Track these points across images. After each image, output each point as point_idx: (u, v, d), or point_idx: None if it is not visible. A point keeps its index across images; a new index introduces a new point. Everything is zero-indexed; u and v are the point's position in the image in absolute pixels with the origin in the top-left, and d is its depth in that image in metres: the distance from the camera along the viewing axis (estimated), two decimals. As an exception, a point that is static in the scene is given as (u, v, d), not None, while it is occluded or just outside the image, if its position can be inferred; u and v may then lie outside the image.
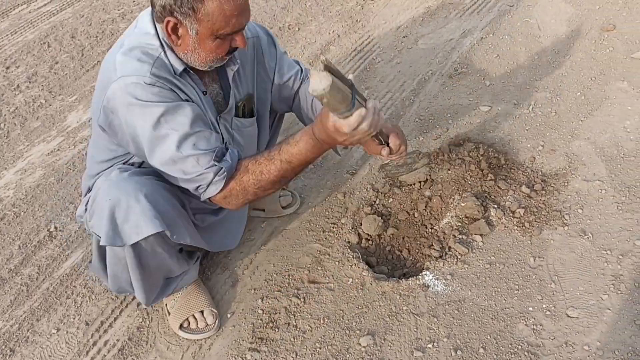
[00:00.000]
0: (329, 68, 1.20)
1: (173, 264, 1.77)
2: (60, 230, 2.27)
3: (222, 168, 1.55)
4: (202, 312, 1.88)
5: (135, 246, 1.59)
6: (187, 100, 1.57)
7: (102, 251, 1.72)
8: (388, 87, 2.87)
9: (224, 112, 1.73)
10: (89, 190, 1.77)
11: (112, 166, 1.71)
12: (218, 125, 1.73)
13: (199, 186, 1.57)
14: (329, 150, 1.55)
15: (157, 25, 1.55)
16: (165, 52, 1.55)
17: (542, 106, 2.64)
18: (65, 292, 2.04)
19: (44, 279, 2.09)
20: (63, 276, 2.09)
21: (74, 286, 2.06)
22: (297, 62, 1.95)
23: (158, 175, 1.64)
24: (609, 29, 3.06)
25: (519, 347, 1.76)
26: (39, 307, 2.00)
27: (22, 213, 2.35)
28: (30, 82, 3.12)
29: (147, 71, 1.50)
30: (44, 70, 3.20)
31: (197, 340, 1.85)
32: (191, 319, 1.87)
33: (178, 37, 1.52)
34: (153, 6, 1.51)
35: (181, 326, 1.87)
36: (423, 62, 3.01)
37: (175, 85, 1.56)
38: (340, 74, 1.26)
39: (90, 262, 1.80)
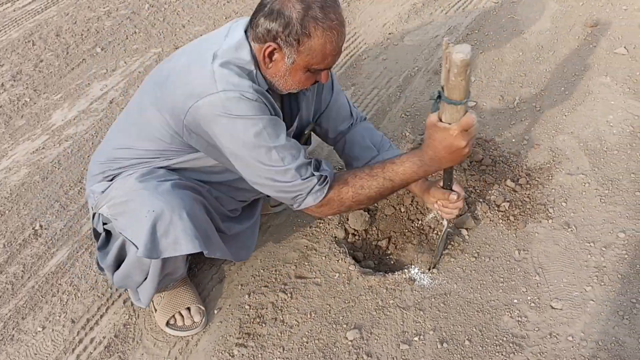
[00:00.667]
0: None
1: (182, 267, 1.79)
2: (45, 229, 2.26)
3: (325, 177, 1.59)
4: (188, 309, 1.88)
5: (166, 259, 1.61)
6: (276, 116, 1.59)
7: (121, 251, 1.69)
8: (374, 83, 2.88)
9: (287, 131, 1.72)
10: (107, 175, 1.75)
11: (147, 160, 1.69)
12: None
13: (297, 195, 1.59)
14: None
15: (252, 44, 1.54)
16: (255, 69, 1.55)
17: (527, 101, 2.67)
18: (51, 290, 2.03)
19: (29, 277, 2.08)
20: (48, 274, 2.08)
21: (60, 284, 2.05)
22: (349, 102, 1.97)
23: (195, 186, 1.68)
24: (592, 25, 3.09)
25: (504, 338, 1.78)
26: (25, 305, 1.98)
27: (6, 211, 2.34)
28: (14, 80, 3.09)
29: (249, 86, 1.49)
30: (28, 68, 3.18)
31: (184, 337, 1.85)
32: (178, 316, 1.87)
33: (271, 61, 1.53)
34: (255, 26, 1.51)
35: (168, 323, 1.86)
36: (409, 59, 3.02)
37: (269, 100, 1.56)
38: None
39: (98, 250, 1.76)
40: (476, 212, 2.15)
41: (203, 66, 1.51)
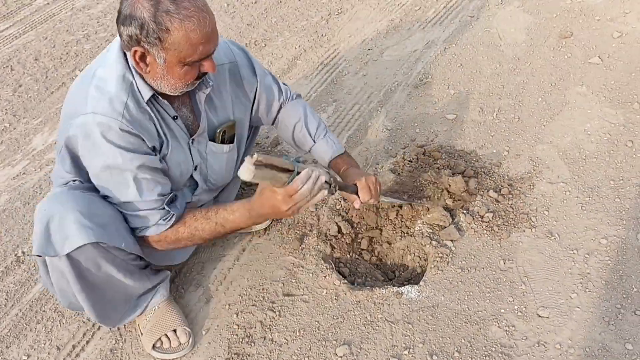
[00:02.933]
0: (260, 163, 1.31)
1: (126, 280, 1.73)
2: (27, 255, 2.23)
3: (170, 213, 1.66)
4: (174, 331, 1.86)
5: (71, 258, 1.56)
6: (151, 148, 1.62)
7: (45, 264, 1.68)
8: (355, 98, 2.90)
9: (195, 134, 1.75)
10: None
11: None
12: (190, 148, 1.74)
13: (142, 225, 1.66)
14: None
15: (126, 53, 1.56)
16: (134, 81, 1.57)
17: (506, 112, 2.70)
18: (35, 317, 2.00)
19: (12, 305, 2.04)
20: (32, 301, 2.05)
21: (44, 311, 2.01)
22: (276, 82, 2.01)
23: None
24: (566, 36, 3.15)
25: (493, 348, 1.79)
26: (9, 333, 1.95)
27: (-12, 239, 2.31)
28: (-7, 106, 3.07)
29: (119, 115, 1.52)
30: (7, 93, 3.16)
31: (171, 359, 1.83)
32: (164, 339, 1.85)
33: (146, 64, 1.53)
34: (120, 35, 1.52)
35: (154, 346, 1.84)
36: (389, 74, 3.05)
37: (144, 127, 1.58)
38: (278, 162, 1.38)
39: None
40: (460, 223, 2.16)
41: (82, 87, 1.58)
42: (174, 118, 1.68)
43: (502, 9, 3.47)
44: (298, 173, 1.43)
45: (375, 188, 1.82)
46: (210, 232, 1.69)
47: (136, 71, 1.57)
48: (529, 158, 2.44)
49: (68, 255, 1.54)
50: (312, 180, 1.45)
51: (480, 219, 2.17)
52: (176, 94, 1.63)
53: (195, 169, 1.80)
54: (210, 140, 1.81)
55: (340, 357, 1.80)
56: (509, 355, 1.77)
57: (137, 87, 1.57)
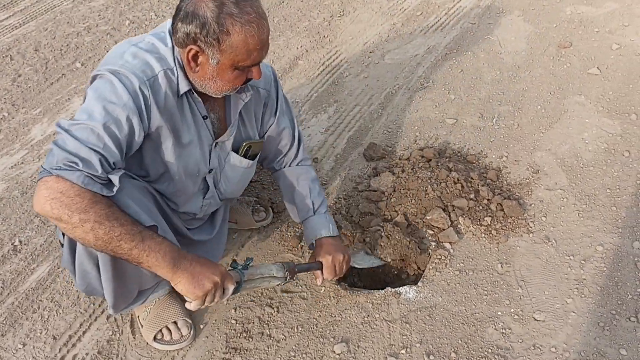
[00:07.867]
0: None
1: (149, 272, 1.67)
2: (25, 244, 2.21)
3: (114, 176, 1.42)
4: (175, 323, 1.86)
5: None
6: (144, 129, 1.52)
7: (72, 244, 1.60)
8: (356, 100, 2.92)
9: (220, 138, 1.73)
10: None
11: None
12: (211, 151, 1.73)
13: (72, 162, 1.36)
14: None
15: (176, 49, 1.54)
16: (176, 70, 1.54)
17: (505, 119, 2.73)
18: (32, 306, 1.99)
19: (8, 294, 2.03)
20: (29, 290, 2.04)
21: (41, 300, 2.00)
22: (294, 136, 1.97)
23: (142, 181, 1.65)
24: (566, 46, 3.19)
25: (489, 350, 1.80)
26: (4, 322, 1.94)
27: (-16, 227, 2.29)
28: (-8, 94, 3.05)
29: (146, 78, 1.48)
30: (6, 83, 3.14)
31: (171, 351, 1.83)
32: (165, 331, 1.84)
33: (197, 64, 1.52)
34: (175, 32, 1.50)
35: (155, 338, 1.84)
36: (390, 77, 3.07)
37: (166, 110, 1.54)
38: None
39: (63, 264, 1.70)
40: (459, 226, 2.18)
41: (123, 46, 1.54)
42: (204, 117, 1.66)
43: (503, 18, 3.50)
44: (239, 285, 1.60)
45: (340, 267, 1.86)
46: (120, 242, 1.39)
47: (180, 65, 1.56)
48: (527, 164, 2.46)
49: None
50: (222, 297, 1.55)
51: (478, 222, 2.19)
52: (218, 97, 1.62)
53: (210, 172, 1.78)
54: (233, 151, 1.81)
55: (338, 354, 1.81)
56: (505, 357, 1.78)
57: (177, 79, 1.55)
